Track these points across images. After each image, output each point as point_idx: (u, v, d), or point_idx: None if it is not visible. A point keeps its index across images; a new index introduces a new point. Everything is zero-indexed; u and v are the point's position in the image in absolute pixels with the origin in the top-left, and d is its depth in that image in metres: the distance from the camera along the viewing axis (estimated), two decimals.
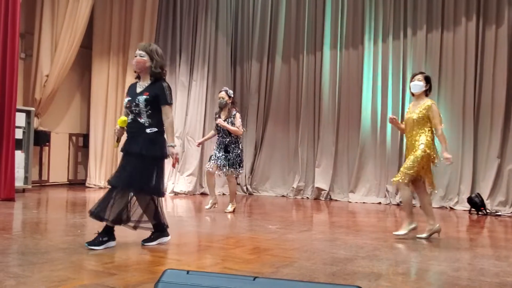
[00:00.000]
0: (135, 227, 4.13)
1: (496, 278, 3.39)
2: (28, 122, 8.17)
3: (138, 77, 4.13)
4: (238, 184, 9.95)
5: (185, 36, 9.75)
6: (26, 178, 8.06)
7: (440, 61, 8.53)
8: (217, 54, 9.96)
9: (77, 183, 10.10)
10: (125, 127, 4.05)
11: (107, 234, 3.91)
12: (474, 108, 8.20)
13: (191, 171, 9.25)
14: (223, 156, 6.49)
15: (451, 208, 8.12)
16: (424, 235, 4.91)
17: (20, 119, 7.70)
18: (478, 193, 7.77)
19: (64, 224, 5.44)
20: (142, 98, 3.93)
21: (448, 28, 8.49)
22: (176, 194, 9.11)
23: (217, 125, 6.59)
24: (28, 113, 8.22)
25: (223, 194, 9.28)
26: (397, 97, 8.86)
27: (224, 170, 6.48)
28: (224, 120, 6.47)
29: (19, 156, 7.64)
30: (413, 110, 5.01)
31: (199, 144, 7.46)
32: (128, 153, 3.96)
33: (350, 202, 8.96)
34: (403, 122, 5.19)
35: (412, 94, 5.11)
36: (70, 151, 10.25)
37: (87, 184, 9.79)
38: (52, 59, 8.94)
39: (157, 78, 4.02)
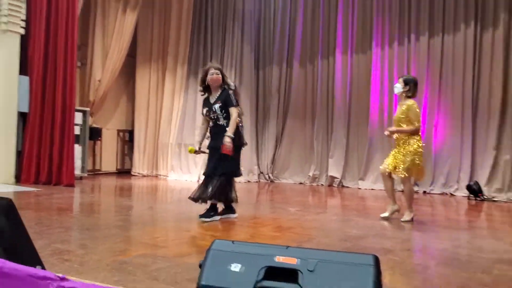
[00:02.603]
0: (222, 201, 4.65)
1: (493, 254, 3.40)
2: (84, 120, 8.37)
3: (203, 90, 4.64)
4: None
5: (215, 45, 9.84)
6: (83, 167, 8.29)
7: (441, 63, 8.40)
8: (243, 60, 10.01)
9: (124, 171, 10.36)
10: (195, 151, 4.66)
11: (213, 210, 4.54)
12: (472, 106, 8.07)
13: None
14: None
15: (452, 194, 8.05)
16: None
17: (78, 118, 7.93)
18: (476, 181, 7.70)
19: (115, 205, 5.62)
20: (217, 106, 4.49)
21: (448, 33, 8.37)
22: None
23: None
24: (84, 112, 8.41)
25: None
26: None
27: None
28: None
29: (77, 149, 7.85)
30: (398, 110, 4.98)
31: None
32: (214, 148, 4.50)
33: (360, 188, 8.96)
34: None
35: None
36: (118, 145, 10.49)
37: (132, 173, 10.15)
38: (103, 67, 9.13)
39: (225, 88, 4.57)
